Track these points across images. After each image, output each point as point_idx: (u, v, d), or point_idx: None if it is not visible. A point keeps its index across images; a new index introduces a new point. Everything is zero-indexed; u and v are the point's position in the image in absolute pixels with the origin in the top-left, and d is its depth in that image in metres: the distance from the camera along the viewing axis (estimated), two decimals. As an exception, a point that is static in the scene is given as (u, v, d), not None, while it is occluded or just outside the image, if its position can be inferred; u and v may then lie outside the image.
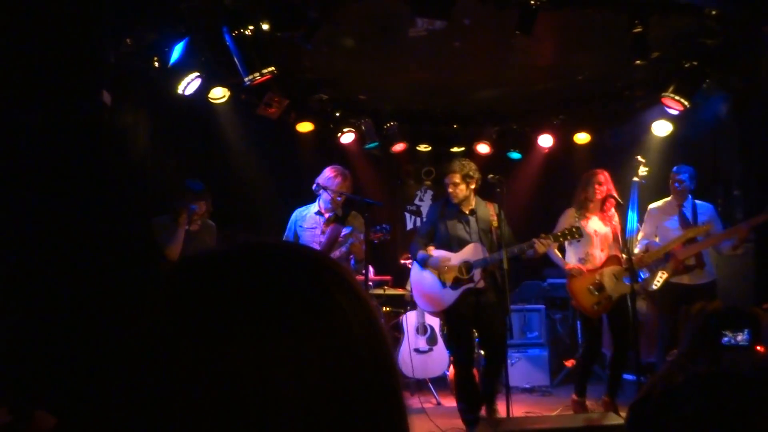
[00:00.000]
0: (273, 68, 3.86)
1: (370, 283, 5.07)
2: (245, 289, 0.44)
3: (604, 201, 4.03)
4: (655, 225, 4.25)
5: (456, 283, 3.62)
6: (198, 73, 4.20)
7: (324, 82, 5.56)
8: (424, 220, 4.12)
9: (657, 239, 4.20)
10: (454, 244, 3.70)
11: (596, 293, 3.87)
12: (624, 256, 3.89)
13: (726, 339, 1.54)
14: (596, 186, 4.03)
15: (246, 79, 3.77)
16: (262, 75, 3.75)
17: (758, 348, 1.56)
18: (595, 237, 4.01)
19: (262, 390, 0.40)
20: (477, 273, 3.59)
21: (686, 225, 4.16)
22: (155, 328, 0.43)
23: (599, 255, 3.99)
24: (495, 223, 3.68)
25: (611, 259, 3.95)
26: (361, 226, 3.58)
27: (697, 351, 1.56)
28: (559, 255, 4.08)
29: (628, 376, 4.49)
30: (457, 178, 3.69)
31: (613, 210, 4.08)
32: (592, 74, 5.29)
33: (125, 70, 3.97)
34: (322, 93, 5.61)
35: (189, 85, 4.22)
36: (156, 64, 4.00)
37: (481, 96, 5.87)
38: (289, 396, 0.40)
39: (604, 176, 4.07)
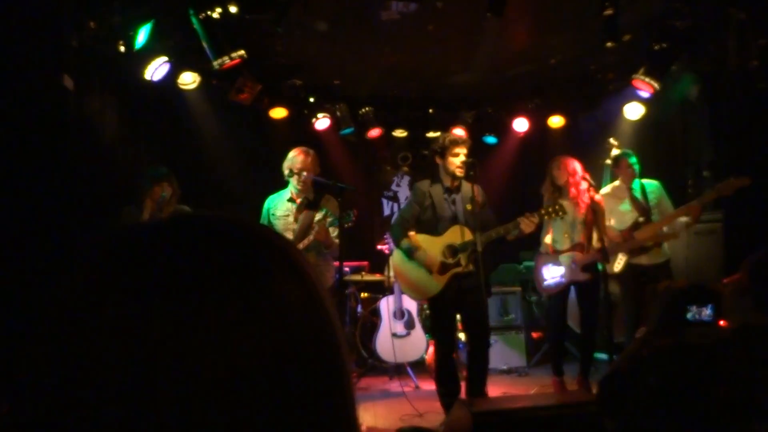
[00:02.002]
0: (243, 52, 3.79)
1: (347, 269, 5.07)
2: (172, 259, 0.42)
3: (570, 187, 4.06)
4: (609, 210, 4.29)
5: (443, 269, 3.55)
6: (166, 58, 4.10)
7: (297, 67, 5.49)
8: (408, 199, 3.96)
9: (612, 222, 4.26)
10: (441, 225, 3.59)
11: (551, 273, 4.08)
12: (594, 244, 3.97)
13: (691, 314, 1.57)
14: (555, 172, 4.07)
15: (214, 63, 3.69)
16: (231, 59, 3.67)
17: (721, 322, 1.60)
18: (564, 223, 4.05)
19: (185, 370, 0.38)
20: (463, 256, 3.53)
21: (639, 206, 4.22)
22: (79, 292, 0.41)
23: (567, 240, 4.06)
24: (479, 205, 3.64)
25: (575, 247, 4.01)
26: (335, 210, 3.51)
27: (664, 327, 1.59)
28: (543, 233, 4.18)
29: (601, 356, 4.58)
30: (467, 149, 3.58)
31: (591, 195, 4.08)
32: (564, 58, 5.31)
33: (90, 55, 3.86)
34: (295, 78, 5.54)
35: (157, 70, 4.12)
36: (122, 48, 3.89)
37: (457, 81, 5.85)
38: (214, 375, 0.38)
39: (561, 161, 4.08)
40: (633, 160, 4.26)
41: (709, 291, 1.58)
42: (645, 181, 4.34)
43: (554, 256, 4.08)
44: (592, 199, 3.95)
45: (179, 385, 0.38)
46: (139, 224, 0.46)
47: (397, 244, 3.67)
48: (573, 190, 4.01)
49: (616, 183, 4.40)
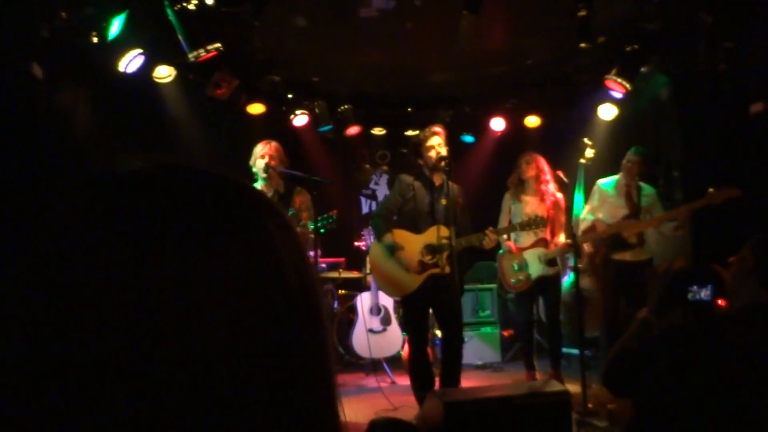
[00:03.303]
0: (219, 45, 3.76)
1: (323, 265, 5.06)
2: (168, 201, 0.41)
3: (536, 182, 4.17)
4: (602, 200, 4.40)
5: (421, 268, 3.54)
6: (140, 51, 4.05)
7: (276, 63, 5.47)
8: (389, 193, 3.92)
9: (601, 215, 4.35)
10: (421, 219, 3.57)
11: (518, 271, 4.16)
12: (560, 240, 4.08)
13: (691, 294, 1.62)
14: (523, 166, 4.17)
15: (190, 55, 3.66)
16: (207, 51, 3.64)
17: (719, 302, 1.64)
18: (528, 219, 4.12)
19: (185, 306, 0.38)
20: (441, 257, 3.51)
21: (632, 205, 4.31)
22: (64, 241, 0.40)
23: (530, 236, 4.14)
24: (460, 206, 3.66)
25: (539, 242, 4.10)
26: (308, 202, 3.49)
27: (665, 307, 1.64)
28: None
29: (572, 350, 4.66)
30: (443, 138, 3.58)
31: (553, 192, 4.20)
32: (541, 59, 5.39)
33: (62, 46, 3.79)
34: (274, 74, 5.52)
35: (131, 62, 4.06)
36: (95, 39, 3.83)
37: (435, 79, 5.89)
38: (213, 314, 0.38)
39: (531, 157, 4.22)
40: (639, 158, 4.35)
41: (708, 272, 1.62)
42: (643, 184, 4.43)
43: (518, 254, 4.16)
44: (554, 197, 4.11)
45: (177, 336, 0.37)
46: (126, 170, 0.45)
47: (379, 237, 3.63)
48: (542, 187, 4.13)
49: (618, 176, 4.47)
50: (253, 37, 4.79)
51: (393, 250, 3.55)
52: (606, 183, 4.47)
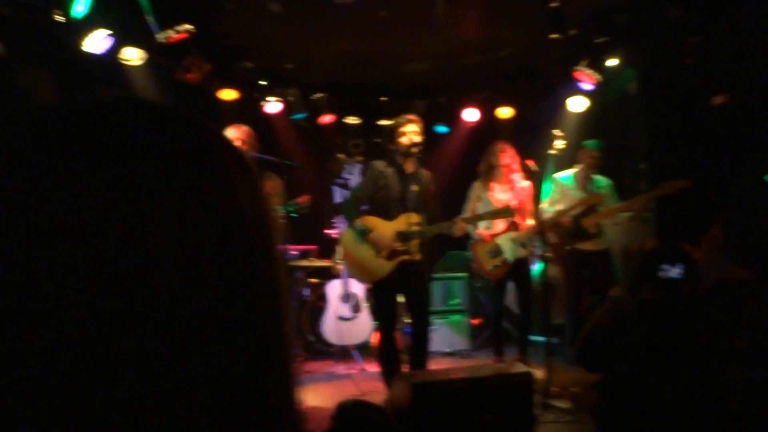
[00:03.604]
0: (190, 27, 3.69)
1: (295, 252, 5.04)
2: (127, 126, 0.41)
3: (506, 171, 4.25)
4: (562, 194, 4.51)
5: (392, 255, 3.56)
6: (107, 31, 3.95)
7: (249, 48, 5.39)
8: (361, 180, 3.91)
9: (561, 206, 4.47)
10: (393, 206, 3.58)
11: (494, 257, 4.20)
12: (529, 223, 4.17)
13: (662, 273, 1.67)
14: (495, 154, 4.24)
15: (158, 36, 3.58)
16: (177, 32, 3.57)
17: (688, 281, 1.69)
18: (498, 205, 4.19)
19: (138, 231, 0.37)
20: (412, 244, 3.54)
21: (590, 195, 4.47)
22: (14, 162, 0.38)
23: (501, 222, 4.21)
24: (431, 193, 3.68)
25: (511, 226, 4.18)
26: (279, 188, 3.47)
27: (637, 285, 1.68)
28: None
29: (537, 338, 4.75)
30: (417, 127, 3.58)
31: (521, 180, 4.29)
32: (514, 50, 5.44)
33: (24, 25, 3.68)
34: (247, 60, 5.44)
35: (98, 43, 3.96)
36: (59, 18, 3.72)
37: (410, 69, 5.90)
38: (166, 244, 0.38)
39: (503, 146, 4.30)
40: (595, 151, 4.48)
41: (679, 251, 1.67)
42: (598, 176, 4.58)
43: (491, 242, 4.22)
44: (522, 185, 4.23)
45: (127, 258, 0.37)
46: (81, 102, 0.44)
47: (350, 222, 3.64)
48: (511, 176, 4.21)
49: (577, 169, 4.59)
50: (225, 23, 4.71)
51: (365, 233, 3.56)
52: (564, 177, 4.60)
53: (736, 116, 4.11)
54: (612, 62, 4.80)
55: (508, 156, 4.23)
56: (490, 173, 4.29)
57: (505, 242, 4.19)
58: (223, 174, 0.43)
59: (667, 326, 1.47)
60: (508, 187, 4.23)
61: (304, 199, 3.39)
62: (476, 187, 4.36)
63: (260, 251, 0.44)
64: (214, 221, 0.41)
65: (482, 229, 4.27)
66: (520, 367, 2.68)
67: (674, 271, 1.61)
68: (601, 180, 4.59)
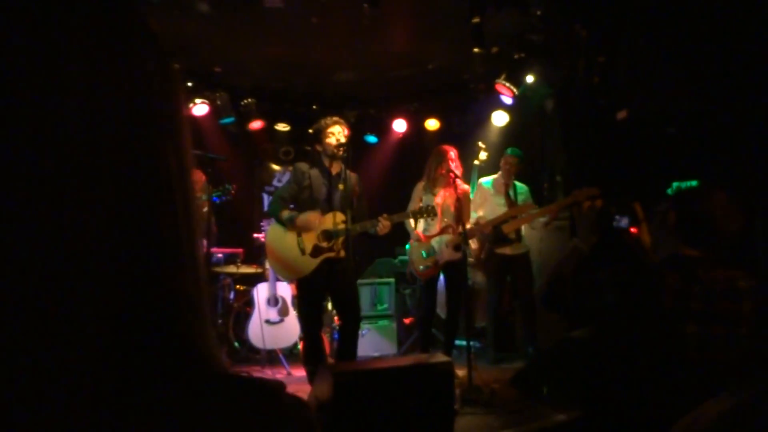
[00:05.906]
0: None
1: (220, 256, 4.93)
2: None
3: (451, 175, 4.35)
4: (483, 198, 4.74)
5: (316, 252, 3.59)
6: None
7: (175, 49, 5.27)
8: (285, 182, 3.90)
9: (482, 212, 4.68)
10: (318, 207, 3.60)
11: (426, 257, 4.29)
12: (460, 227, 4.28)
13: (614, 222, 1.95)
14: (450, 162, 4.31)
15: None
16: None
17: (632, 230, 1.96)
18: (438, 209, 4.32)
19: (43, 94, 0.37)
20: (336, 242, 3.57)
21: (510, 202, 4.73)
22: None
23: (438, 223, 4.33)
24: (356, 193, 3.72)
25: (445, 229, 4.30)
26: (202, 183, 3.40)
27: (591, 235, 1.89)
28: (413, 224, 4.37)
29: (459, 342, 4.89)
30: (343, 129, 3.62)
31: (462, 185, 4.39)
32: (442, 64, 5.67)
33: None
34: (172, 60, 5.31)
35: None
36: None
37: (341, 79, 5.98)
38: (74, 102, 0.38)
39: (454, 152, 4.40)
40: (515, 159, 4.71)
41: (627, 205, 1.96)
42: (517, 183, 4.83)
43: (426, 242, 4.32)
44: (462, 188, 4.28)
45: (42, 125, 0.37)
46: None
47: (277, 218, 3.63)
48: (454, 179, 4.24)
49: (497, 176, 4.82)
50: (150, 18, 4.59)
51: (292, 219, 3.55)
52: (486, 181, 4.84)
53: (637, 129, 4.47)
54: (529, 78, 5.12)
55: (453, 161, 4.31)
56: (434, 176, 4.32)
57: (438, 244, 4.28)
58: (141, 60, 0.44)
59: (636, 289, 1.70)
60: (451, 189, 4.29)
61: (230, 186, 3.31)
62: (419, 189, 4.39)
63: (169, 139, 0.44)
64: (124, 95, 0.41)
65: (421, 231, 4.35)
66: (441, 357, 2.76)
67: (623, 222, 1.92)
68: (520, 186, 4.85)
